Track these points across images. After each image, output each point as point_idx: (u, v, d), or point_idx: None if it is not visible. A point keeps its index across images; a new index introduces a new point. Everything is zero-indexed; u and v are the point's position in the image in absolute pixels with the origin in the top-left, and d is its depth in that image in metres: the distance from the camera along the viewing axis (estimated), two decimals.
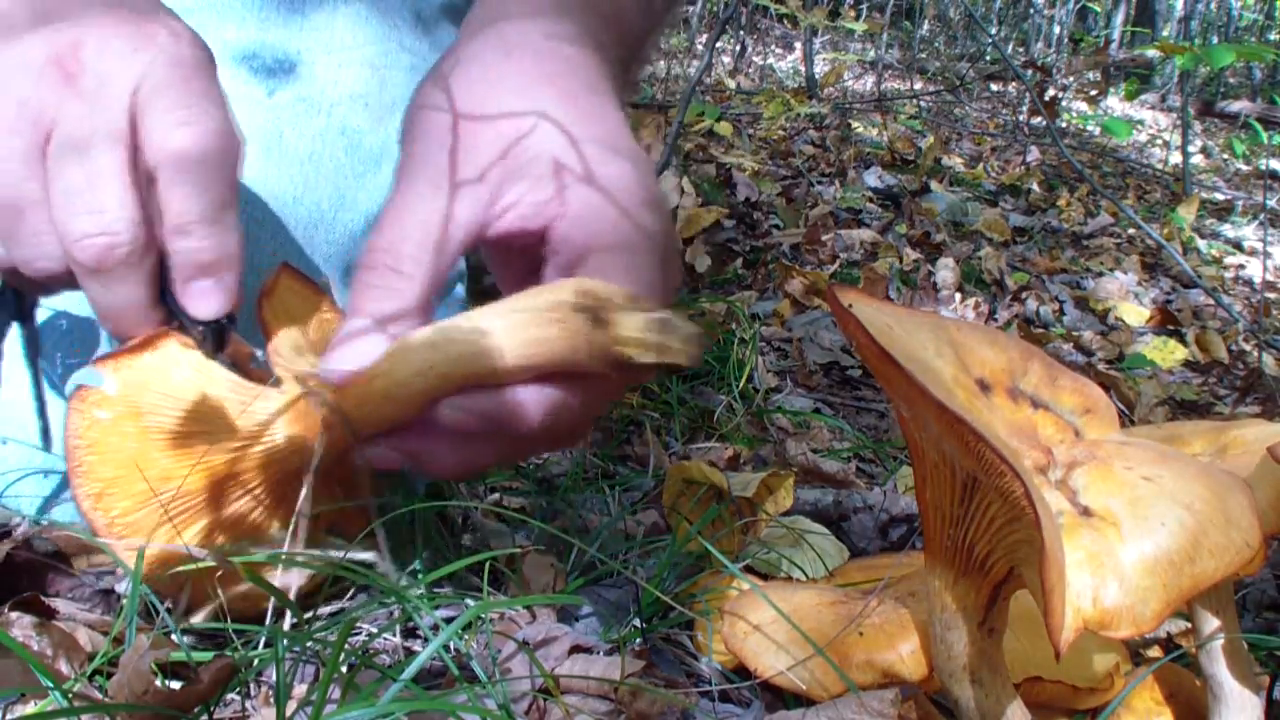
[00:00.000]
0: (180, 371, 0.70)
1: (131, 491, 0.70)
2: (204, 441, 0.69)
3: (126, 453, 0.70)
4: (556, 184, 0.68)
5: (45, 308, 0.89)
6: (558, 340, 0.62)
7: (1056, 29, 9.46)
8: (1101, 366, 2.51)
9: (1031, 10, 9.69)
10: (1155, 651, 0.94)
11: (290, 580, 0.70)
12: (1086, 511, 0.59)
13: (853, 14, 7.49)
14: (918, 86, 6.67)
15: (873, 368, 0.60)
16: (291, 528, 0.71)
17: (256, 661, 0.75)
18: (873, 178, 3.94)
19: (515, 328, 0.62)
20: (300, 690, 0.71)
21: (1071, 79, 7.61)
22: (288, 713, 0.60)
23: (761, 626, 0.79)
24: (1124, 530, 0.57)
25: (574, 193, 0.68)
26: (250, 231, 0.95)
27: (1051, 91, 5.39)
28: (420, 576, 0.88)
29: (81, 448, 0.69)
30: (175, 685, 0.70)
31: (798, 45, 6.71)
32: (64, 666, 0.69)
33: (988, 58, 8.23)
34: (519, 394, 0.65)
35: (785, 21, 7.36)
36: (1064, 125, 6.56)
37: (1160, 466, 0.62)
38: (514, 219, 0.68)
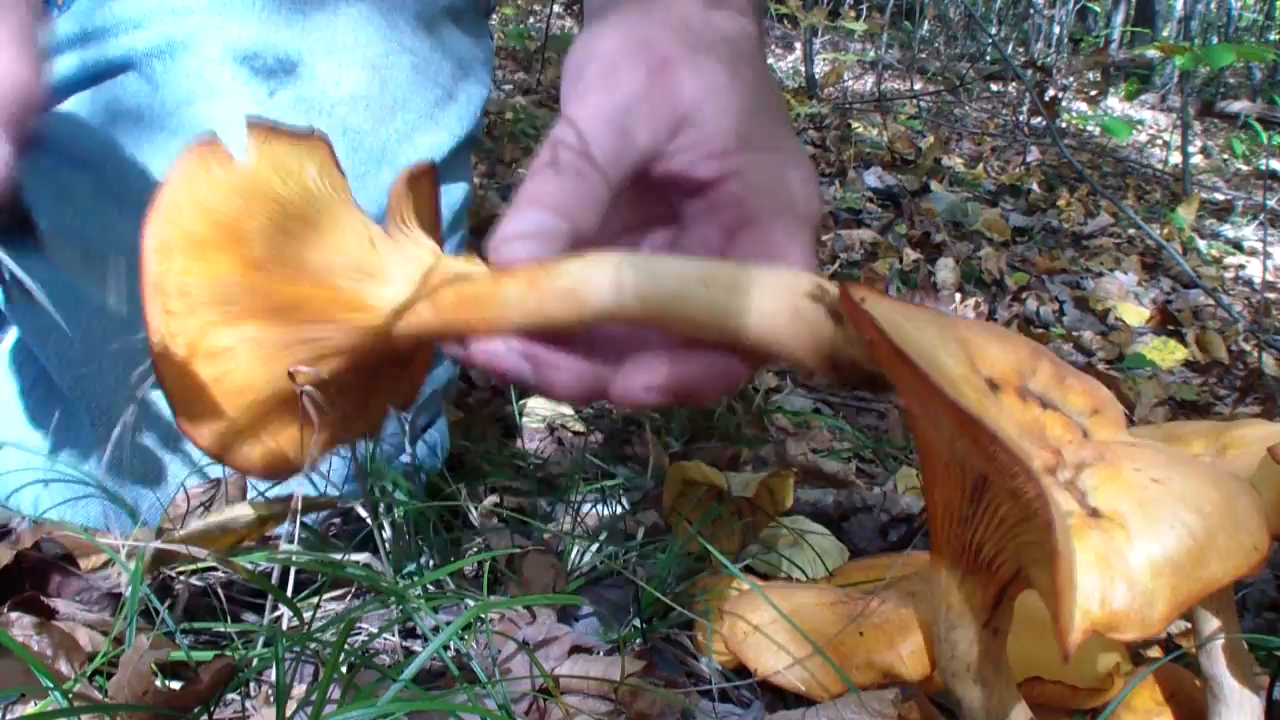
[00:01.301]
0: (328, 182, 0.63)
1: (209, 262, 0.59)
2: (318, 260, 0.61)
3: (226, 220, 0.59)
4: (739, 140, 0.65)
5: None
6: (793, 324, 0.57)
7: (1056, 29, 9.46)
8: (1101, 366, 2.51)
9: (1031, 10, 9.69)
10: (1155, 651, 0.94)
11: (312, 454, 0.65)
12: (1095, 513, 0.59)
13: (853, 14, 7.49)
14: (918, 86, 6.67)
15: (885, 366, 0.60)
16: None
17: (256, 661, 0.75)
18: (873, 178, 3.94)
19: (755, 293, 0.57)
20: (300, 690, 0.71)
21: (1071, 79, 7.61)
22: (288, 713, 0.60)
23: (761, 626, 0.79)
24: (1133, 532, 0.57)
25: (755, 156, 0.66)
26: None
27: (1051, 91, 5.39)
28: (420, 576, 0.88)
29: (178, 188, 0.59)
30: (175, 685, 0.70)
31: (798, 45, 6.71)
32: (64, 666, 0.69)
33: (988, 58, 8.23)
34: (722, 362, 0.59)
35: (785, 21, 7.36)
36: (1064, 125, 6.57)
37: (1169, 468, 0.62)
38: (686, 161, 0.65)
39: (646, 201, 0.68)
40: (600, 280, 0.57)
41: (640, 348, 0.60)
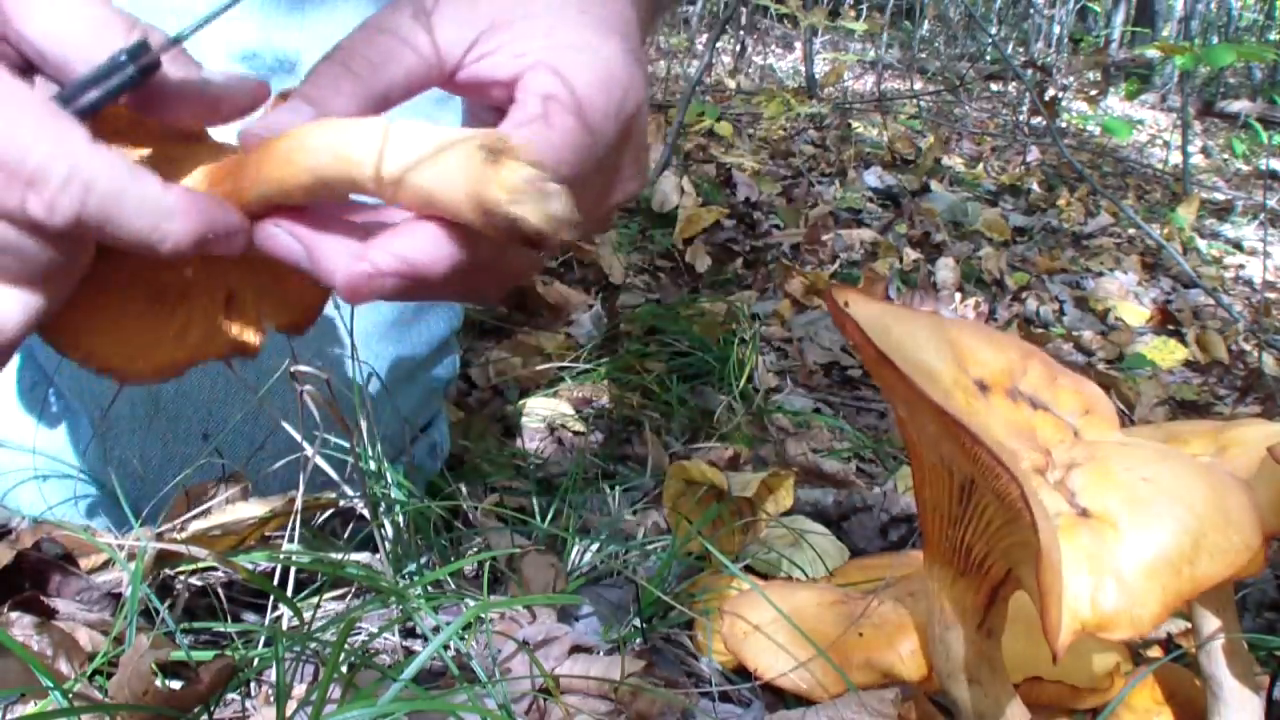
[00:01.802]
0: None
1: None
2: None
3: None
4: (547, 43, 0.61)
5: None
6: (450, 169, 0.56)
7: (1056, 29, 9.45)
8: (1101, 366, 2.51)
9: (1031, 10, 9.69)
10: (1155, 651, 0.94)
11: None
12: (1085, 512, 0.59)
13: (853, 14, 7.48)
14: (918, 86, 6.67)
15: (870, 369, 0.60)
16: None
17: (256, 661, 0.75)
18: (873, 178, 3.94)
19: (415, 138, 0.56)
20: (300, 690, 0.71)
21: (1071, 79, 7.61)
22: (288, 713, 0.60)
23: (761, 626, 0.79)
24: (1123, 531, 0.57)
25: (561, 54, 0.61)
26: None
27: (1051, 91, 5.39)
28: (420, 576, 0.88)
29: None
30: (175, 685, 0.70)
31: (798, 45, 6.71)
32: (64, 666, 0.69)
33: (988, 58, 8.22)
34: (394, 214, 0.58)
35: (785, 21, 7.36)
36: (1064, 125, 6.56)
37: (1160, 467, 0.62)
38: (489, 66, 0.62)
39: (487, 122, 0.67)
40: (315, 140, 0.57)
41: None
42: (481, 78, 0.63)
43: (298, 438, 0.89)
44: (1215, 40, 10.06)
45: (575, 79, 0.60)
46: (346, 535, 1.00)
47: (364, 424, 0.95)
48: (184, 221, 0.54)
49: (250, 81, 0.61)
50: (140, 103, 0.58)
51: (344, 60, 0.61)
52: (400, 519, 0.94)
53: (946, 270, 2.88)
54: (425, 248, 0.55)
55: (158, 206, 0.54)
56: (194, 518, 0.89)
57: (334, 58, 0.62)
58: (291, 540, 0.87)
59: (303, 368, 0.88)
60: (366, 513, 0.91)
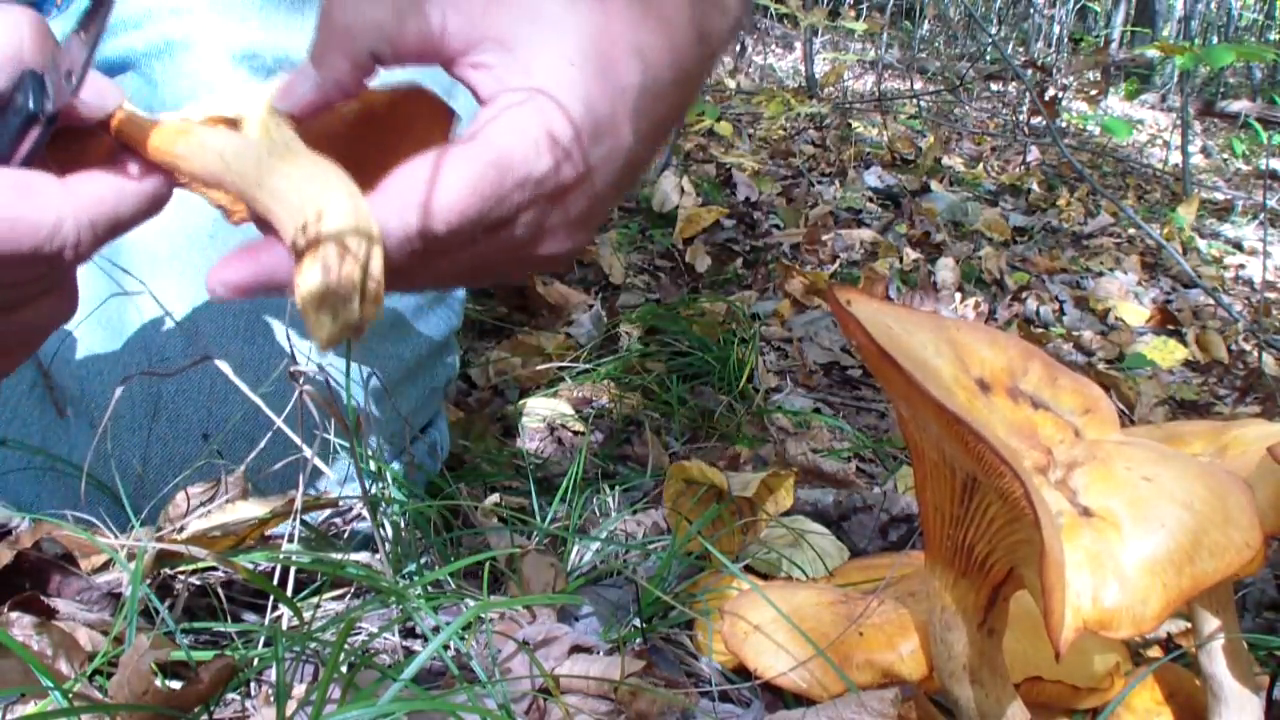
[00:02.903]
0: None
1: None
2: None
3: None
4: (525, 82, 0.60)
5: None
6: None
7: (1056, 29, 9.46)
8: (1101, 366, 2.51)
9: (1031, 10, 9.69)
10: (1155, 651, 0.94)
11: None
12: (1086, 512, 0.59)
13: (853, 14, 7.48)
14: (918, 86, 6.67)
15: (872, 367, 0.60)
16: None
17: (256, 661, 0.75)
18: (873, 178, 3.94)
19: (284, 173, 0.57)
20: (300, 690, 0.71)
21: (1071, 79, 7.60)
22: (288, 713, 0.60)
23: (761, 626, 0.79)
24: (1124, 530, 0.57)
25: (515, 110, 0.60)
26: (249, 234, 0.95)
27: (1051, 91, 5.39)
28: (420, 576, 0.88)
29: None
30: (175, 685, 0.70)
31: (798, 45, 6.71)
32: (64, 666, 0.69)
33: (988, 58, 8.23)
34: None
35: (785, 21, 7.36)
36: (1064, 125, 6.57)
37: (1160, 466, 0.62)
38: (476, 78, 0.62)
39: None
40: (203, 139, 0.59)
41: None
42: (468, 82, 0.63)
43: (297, 440, 0.89)
44: (1215, 40, 10.06)
45: (507, 139, 0.59)
46: (346, 535, 1.00)
47: (364, 424, 0.95)
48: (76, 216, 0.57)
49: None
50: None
51: (347, 26, 0.61)
52: (400, 519, 0.94)
53: (946, 270, 2.88)
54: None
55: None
56: (194, 518, 0.89)
57: (328, 22, 0.62)
58: (292, 540, 0.87)
59: (302, 367, 0.88)
60: (366, 513, 0.91)
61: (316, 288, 0.52)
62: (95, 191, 0.58)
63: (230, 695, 0.72)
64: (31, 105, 0.57)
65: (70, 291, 0.65)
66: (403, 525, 0.94)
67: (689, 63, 0.66)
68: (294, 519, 0.85)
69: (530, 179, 0.58)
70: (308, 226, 0.53)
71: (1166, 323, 3.01)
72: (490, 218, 0.58)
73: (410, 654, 0.82)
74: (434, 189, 0.57)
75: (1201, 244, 4.31)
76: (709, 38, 0.68)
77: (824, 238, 2.98)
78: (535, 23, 0.61)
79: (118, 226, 0.60)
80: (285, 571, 0.84)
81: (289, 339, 0.91)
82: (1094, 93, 7.28)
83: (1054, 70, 7.47)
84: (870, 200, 3.67)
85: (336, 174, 0.56)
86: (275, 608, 0.81)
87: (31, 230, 0.55)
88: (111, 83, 0.61)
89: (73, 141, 0.61)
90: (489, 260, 0.63)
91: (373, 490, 0.94)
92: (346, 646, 0.77)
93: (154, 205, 0.62)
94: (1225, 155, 7.21)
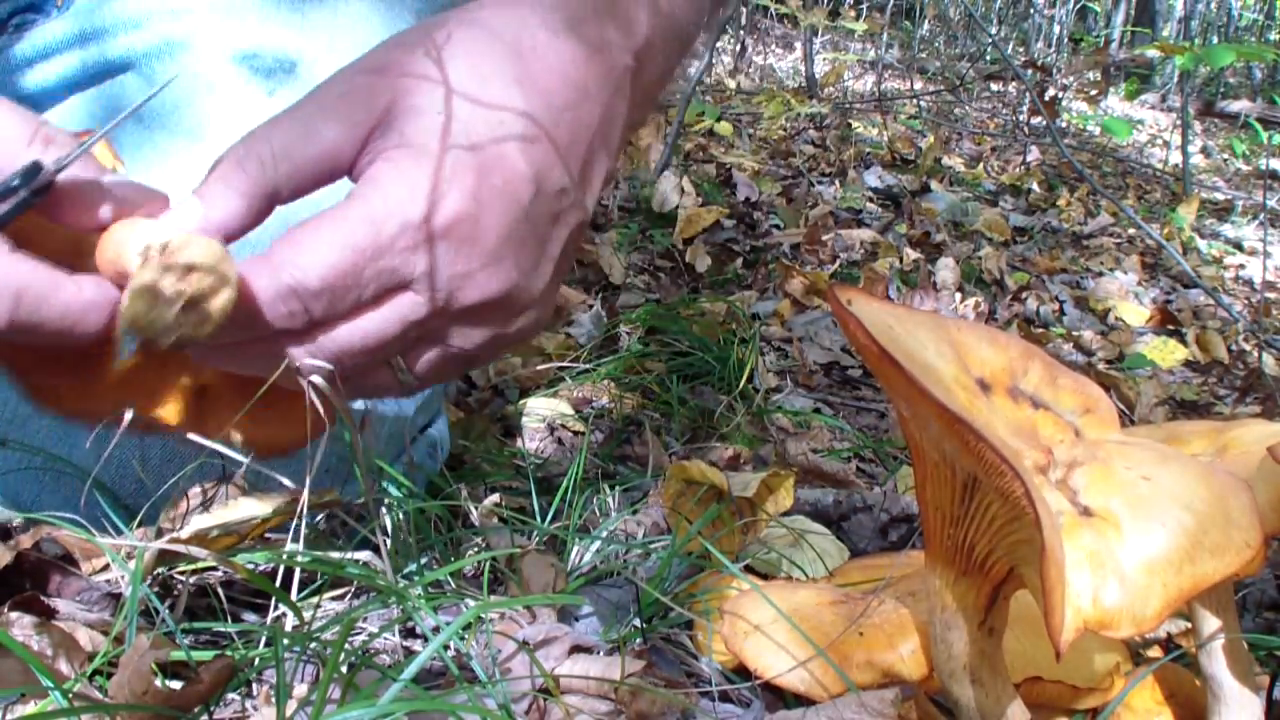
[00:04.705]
0: None
1: None
2: None
3: None
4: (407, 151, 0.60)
5: None
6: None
7: (1056, 29, 9.46)
8: (1101, 366, 2.51)
9: (1031, 10, 9.69)
10: (1155, 651, 0.94)
11: None
12: (1087, 511, 0.59)
13: (853, 14, 7.48)
14: (918, 86, 6.67)
15: (872, 367, 0.60)
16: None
17: (256, 661, 0.75)
18: (873, 178, 3.94)
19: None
20: (300, 690, 0.71)
21: (1071, 79, 7.60)
22: (288, 713, 0.60)
23: (761, 626, 0.79)
24: (1124, 530, 0.57)
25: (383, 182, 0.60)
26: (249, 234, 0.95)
27: (1051, 91, 5.39)
28: (420, 576, 0.88)
29: None
30: (175, 685, 0.70)
31: (798, 45, 6.71)
32: (64, 666, 0.69)
33: (988, 58, 8.22)
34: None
35: (785, 21, 7.36)
36: (1064, 125, 6.56)
37: (1160, 466, 0.62)
38: (374, 171, 0.61)
39: None
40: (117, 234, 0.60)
41: None
42: (369, 179, 0.62)
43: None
44: (1215, 40, 10.07)
45: (376, 192, 0.60)
46: (346, 535, 1.00)
47: (366, 423, 0.95)
48: (98, 315, 0.58)
49: (147, 191, 0.62)
50: (45, 209, 0.60)
51: (239, 159, 0.62)
52: (400, 519, 0.94)
53: (946, 270, 2.88)
54: None
55: (77, 305, 0.58)
56: (194, 518, 0.89)
57: (231, 154, 0.63)
58: (295, 540, 0.87)
59: (309, 361, 0.88)
60: (366, 513, 0.91)
61: (146, 280, 0.56)
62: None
63: (230, 695, 0.72)
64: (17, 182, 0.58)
65: None
66: (403, 525, 0.94)
67: (588, 80, 0.66)
68: (299, 518, 0.85)
69: (409, 224, 0.59)
70: (167, 247, 0.57)
71: (1166, 323, 3.01)
72: (378, 268, 0.59)
73: (410, 654, 0.82)
74: (303, 248, 0.59)
75: (1201, 244, 4.31)
76: (608, 46, 0.68)
77: (824, 238, 2.98)
78: (410, 92, 0.62)
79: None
80: (286, 571, 0.84)
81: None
82: (1094, 93, 7.29)
83: (1054, 70, 7.47)
84: (870, 200, 3.68)
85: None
86: (275, 608, 0.81)
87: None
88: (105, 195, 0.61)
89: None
90: (450, 335, 0.64)
91: (373, 490, 0.94)
92: (346, 646, 0.77)
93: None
94: (1225, 155, 7.21)
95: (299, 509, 0.84)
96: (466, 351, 0.66)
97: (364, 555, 0.92)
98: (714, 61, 5.43)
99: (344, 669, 0.73)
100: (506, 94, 0.62)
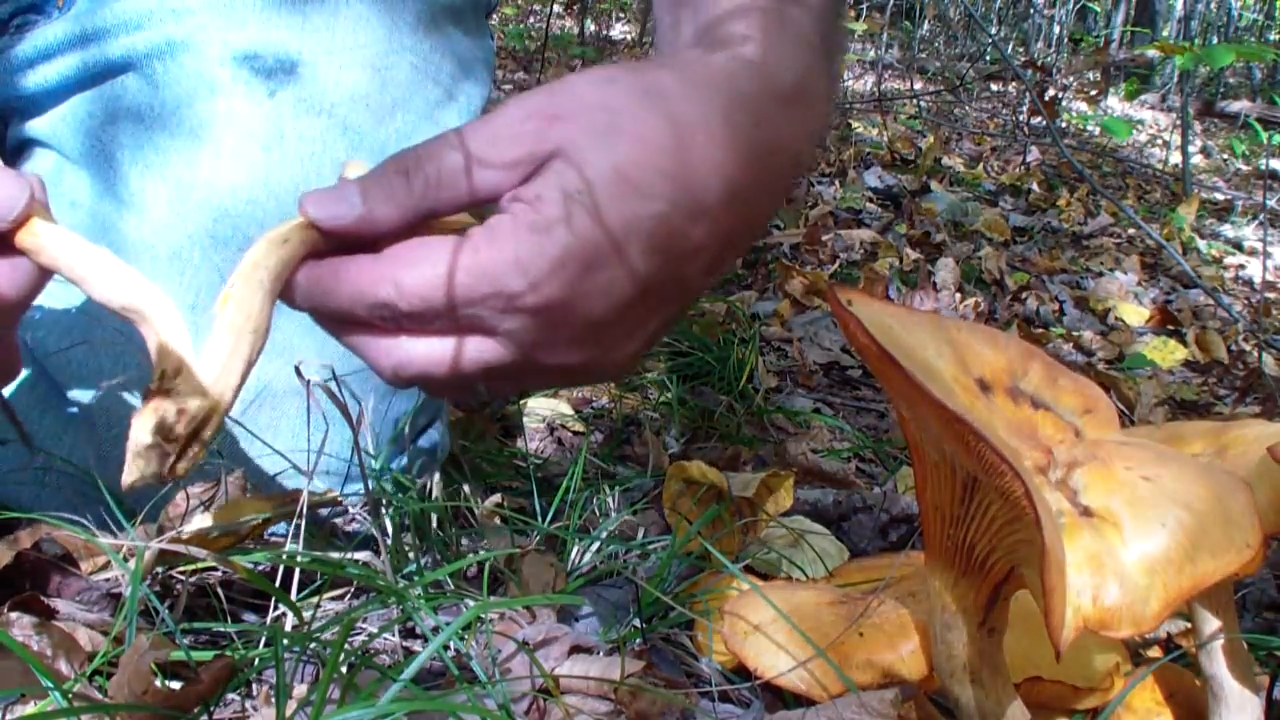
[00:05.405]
0: None
1: None
2: None
3: None
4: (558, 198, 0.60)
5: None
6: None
7: (1056, 29, 9.46)
8: (1101, 366, 2.51)
9: (1031, 10, 9.69)
10: (1155, 651, 0.94)
11: None
12: (1087, 511, 0.59)
13: (853, 14, 7.48)
14: (918, 86, 6.67)
15: (872, 367, 0.60)
16: None
17: (256, 661, 0.76)
18: (873, 178, 3.94)
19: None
20: (300, 690, 0.71)
21: (1071, 79, 7.60)
22: (288, 713, 0.60)
23: (761, 626, 0.79)
24: (1124, 530, 0.57)
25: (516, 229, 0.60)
26: (250, 234, 0.95)
27: (1051, 91, 5.40)
28: (420, 576, 0.88)
29: None
30: (175, 685, 0.70)
31: None
32: (64, 666, 0.69)
33: (988, 58, 8.23)
34: None
35: None
36: (1064, 125, 6.57)
37: (1160, 466, 0.62)
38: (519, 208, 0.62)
39: None
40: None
41: None
42: (491, 226, 0.63)
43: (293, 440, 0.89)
44: (1215, 40, 10.07)
45: (490, 249, 0.60)
46: (346, 535, 1.00)
47: (365, 423, 0.95)
48: None
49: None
50: None
51: (408, 170, 0.62)
52: (400, 519, 0.94)
53: (946, 270, 2.88)
54: None
55: None
56: (194, 518, 0.89)
57: (400, 163, 0.63)
58: (296, 540, 0.87)
59: (309, 361, 0.88)
60: (366, 513, 0.91)
61: (146, 440, 0.55)
62: None
63: (230, 695, 0.72)
64: None
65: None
66: (403, 525, 0.94)
67: (749, 187, 0.64)
68: (300, 518, 0.85)
69: (504, 292, 0.60)
70: (165, 375, 0.56)
71: (1166, 323, 3.01)
72: (468, 314, 0.60)
73: (410, 654, 0.82)
74: (408, 268, 0.60)
75: (1201, 244, 4.31)
76: (780, 149, 0.66)
77: (824, 238, 2.98)
78: (564, 146, 0.61)
79: None
80: (286, 571, 0.84)
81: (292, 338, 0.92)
82: (1094, 93, 7.29)
83: (1054, 70, 7.47)
84: (870, 200, 3.67)
85: (225, 331, 0.58)
86: (275, 608, 0.81)
87: None
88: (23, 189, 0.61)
89: None
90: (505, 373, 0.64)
91: (373, 489, 0.94)
92: (346, 647, 0.77)
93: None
94: (1225, 155, 7.21)
95: (299, 509, 0.84)
96: (542, 384, 0.68)
97: (364, 555, 0.93)
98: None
99: (344, 669, 0.73)
100: (653, 188, 0.61)
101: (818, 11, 0.72)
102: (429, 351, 0.62)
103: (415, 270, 0.60)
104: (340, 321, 0.63)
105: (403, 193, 0.62)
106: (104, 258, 0.59)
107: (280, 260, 0.59)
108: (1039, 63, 6.68)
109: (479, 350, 0.62)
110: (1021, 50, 8.89)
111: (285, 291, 0.60)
